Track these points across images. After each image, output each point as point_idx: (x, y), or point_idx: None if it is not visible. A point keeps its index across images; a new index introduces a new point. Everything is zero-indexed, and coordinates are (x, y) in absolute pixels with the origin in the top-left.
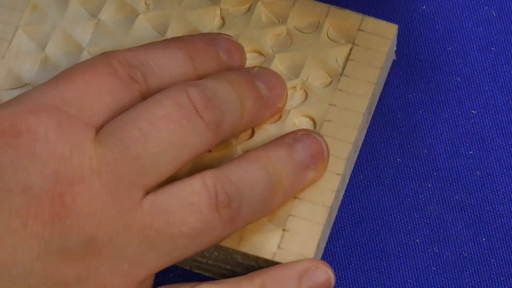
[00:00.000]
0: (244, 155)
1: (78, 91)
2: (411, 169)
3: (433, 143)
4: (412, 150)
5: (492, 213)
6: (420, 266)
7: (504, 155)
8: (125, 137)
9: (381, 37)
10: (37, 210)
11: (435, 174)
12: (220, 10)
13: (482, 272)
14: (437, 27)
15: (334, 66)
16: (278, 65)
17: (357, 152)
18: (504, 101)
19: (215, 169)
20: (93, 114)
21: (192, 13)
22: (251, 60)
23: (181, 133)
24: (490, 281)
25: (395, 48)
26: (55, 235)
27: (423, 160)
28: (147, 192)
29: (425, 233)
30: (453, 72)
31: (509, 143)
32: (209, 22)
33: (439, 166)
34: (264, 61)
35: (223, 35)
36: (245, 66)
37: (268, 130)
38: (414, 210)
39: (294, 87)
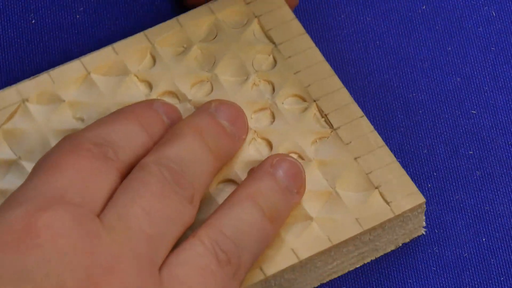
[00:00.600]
0: (233, 197)
1: (73, 178)
2: (411, 169)
3: (433, 143)
4: (412, 150)
5: (492, 213)
6: (420, 266)
7: (504, 155)
8: (132, 219)
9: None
10: None
11: (435, 174)
12: (151, 50)
13: (482, 272)
14: (437, 27)
15: (262, 45)
16: (224, 78)
17: None
18: (504, 101)
19: (207, 226)
20: (94, 200)
21: (122, 95)
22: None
23: (175, 206)
24: (490, 281)
25: None
26: None
27: (423, 160)
28: (160, 267)
29: (425, 233)
30: (453, 72)
31: (509, 143)
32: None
33: (439, 166)
34: (209, 82)
35: (158, 100)
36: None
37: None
38: None
39: (254, 83)
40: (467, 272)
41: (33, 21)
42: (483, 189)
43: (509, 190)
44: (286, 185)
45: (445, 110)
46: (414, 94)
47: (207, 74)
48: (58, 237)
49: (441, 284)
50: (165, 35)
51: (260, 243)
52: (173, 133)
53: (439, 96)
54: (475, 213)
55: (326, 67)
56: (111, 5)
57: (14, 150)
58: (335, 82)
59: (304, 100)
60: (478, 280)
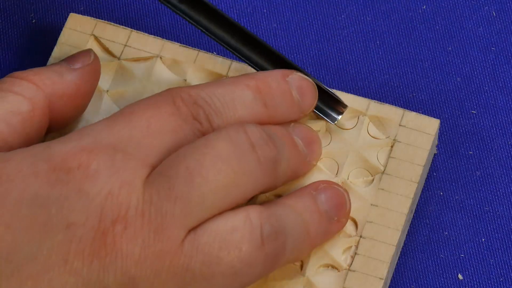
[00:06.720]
0: (275, 201)
1: (137, 130)
2: None
3: None
4: None
5: (491, 214)
6: (419, 266)
7: (504, 155)
8: (172, 176)
9: (422, 132)
10: (78, 247)
11: (435, 174)
12: None
13: (482, 272)
14: (437, 27)
15: (376, 164)
16: (318, 163)
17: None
18: (504, 101)
19: (259, 205)
20: (151, 153)
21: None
22: None
23: (231, 173)
24: (490, 281)
25: (436, 143)
26: (94, 273)
27: None
28: (190, 231)
29: (425, 233)
30: (453, 72)
31: (509, 143)
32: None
33: (439, 166)
34: None
35: (297, 73)
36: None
37: None
38: (414, 210)
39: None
40: (467, 273)
41: (34, 21)
42: (483, 189)
43: (509, 190)
44: (325, 210)
45: (445, 110)
46: (414, 94)
47: None
48: (86, 177)
49: (441, 284)
50: None
51: (298, 248)
52: None
53: (439, 96)
54: (474, 214)
55: (401, 219)
56: (111, 5)
57: None
58: (393, 236)
59: (356, 228)
60: (478, 280)
